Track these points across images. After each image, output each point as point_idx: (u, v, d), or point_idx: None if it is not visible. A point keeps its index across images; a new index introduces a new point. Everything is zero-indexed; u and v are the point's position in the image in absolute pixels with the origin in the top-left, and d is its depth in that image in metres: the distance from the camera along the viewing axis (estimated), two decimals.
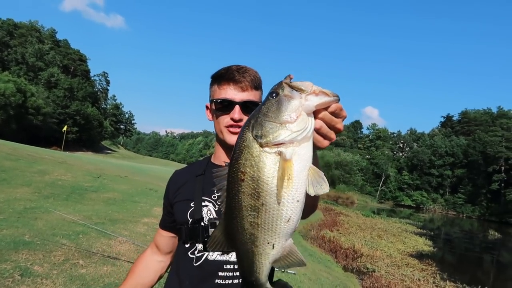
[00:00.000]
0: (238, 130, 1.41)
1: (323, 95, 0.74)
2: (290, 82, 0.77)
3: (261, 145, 0.74)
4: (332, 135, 0.80)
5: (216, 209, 1.42)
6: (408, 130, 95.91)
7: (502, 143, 66.77)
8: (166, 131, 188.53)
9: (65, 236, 5.99)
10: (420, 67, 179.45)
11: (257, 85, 1.44)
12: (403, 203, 75.85)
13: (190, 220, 1.43)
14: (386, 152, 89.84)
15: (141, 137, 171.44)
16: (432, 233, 28.30)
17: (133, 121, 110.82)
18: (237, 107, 1.39)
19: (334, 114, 0.78)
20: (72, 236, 6.04)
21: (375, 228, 23.18)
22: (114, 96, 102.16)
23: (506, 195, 62.51)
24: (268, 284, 0.91)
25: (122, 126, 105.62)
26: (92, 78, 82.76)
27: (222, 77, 1.42)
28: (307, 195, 0.76)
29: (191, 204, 1.45)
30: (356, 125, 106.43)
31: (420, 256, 16.30)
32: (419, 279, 11.19)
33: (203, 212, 1.42)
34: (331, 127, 0.80)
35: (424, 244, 19.98)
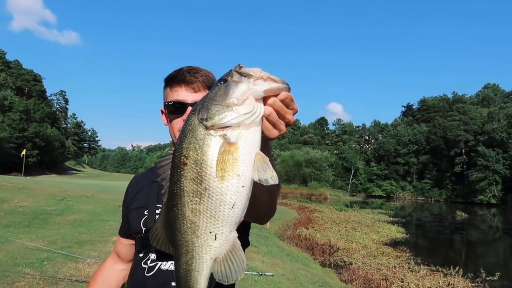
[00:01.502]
0: None
1: (271, 81, 0.73)
2: (239, 69, 0.75)
3: (206, 128, 0.72)
4: (282, 125, 0.78)
5: None
6: (372, 122, 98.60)
7: (460, 127, 69.77)
8: (132, 146, 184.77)
9: (28, 264, 5.69)
10: (378, 59, 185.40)
11: (209, 85, 1.39)
12: (374, 194, 77.72)
13: (144, 228, 1.37)
14: (353, 145, 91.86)
15: (106, 154, 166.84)
16: (404, 220, 29.09)
17: (96, 138, 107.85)
18: (190, 109, 1.33)
19: (284, 103, 0.76)
20: (36, 264, 5.74)
21: (349, 221, 23.54)
22: (74, 114, 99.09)
23: (469, 176, 65.29)
24: None
25: (85, 145, 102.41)
26: (49, 98, 79.94)
27: (173, 79, 1.39)
28: (263, 193, 0.76)
29: (145, 212, 1.39)
30: (322, 121, 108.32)
31: (394, 244, 16.68)
32: (394, 266, 11.41)
33: None
34: (281, 116, 0.77)
35: (397, 232, 20.47)
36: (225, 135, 0.71)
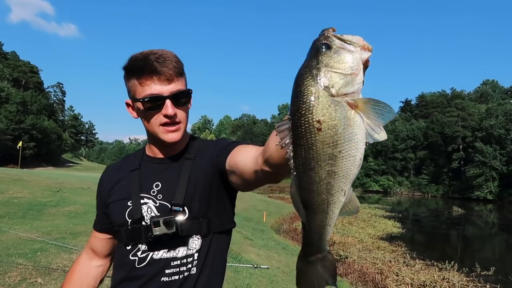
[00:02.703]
0: (174, 127, 1.30)
1: (368, 51, 0.80)
2: (339, 34, 0.80)
3: (332, 95, 0.77)
4: None
5: (157, 205, 1.31)
6: None
7: (458, 123, 69.83)
8: (129, 139, 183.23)
9: (21, 255, 5.65)
10: (378, 54, 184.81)
11: (181, 71, 1.32)
12: (371, 189, 77.90)
13: (130, 220, 1.32)
14: None
15: (104, 147, 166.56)
16: (400, 215, 29.21)
17: (94, 131, 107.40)
18: (168, 102, 1.26)
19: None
20: (29, 255, 5.70)
21: None
22: (72, 107, 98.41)
23: (465, 172, 65.46)
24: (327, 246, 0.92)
25: (83, 137, 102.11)
26: (46, 90, 79.54)
27: (141, 70, 1.26)
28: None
29: (129, 203, 1.34)
30: None
31: (390, 238, 16.76)
32: (390, 261, 11.46)
33: (143, 211, 1.31)
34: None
35: (393, 227, 20.57)
36: (349, 101, 0.77)
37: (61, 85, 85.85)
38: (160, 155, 1.41)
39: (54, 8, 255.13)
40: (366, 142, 0.79)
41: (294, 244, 13.35)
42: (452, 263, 11.19)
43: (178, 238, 1.28)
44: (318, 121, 0.76)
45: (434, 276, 9.78)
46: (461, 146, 69.26)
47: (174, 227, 1.25)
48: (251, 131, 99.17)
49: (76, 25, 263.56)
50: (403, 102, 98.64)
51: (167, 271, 1.26)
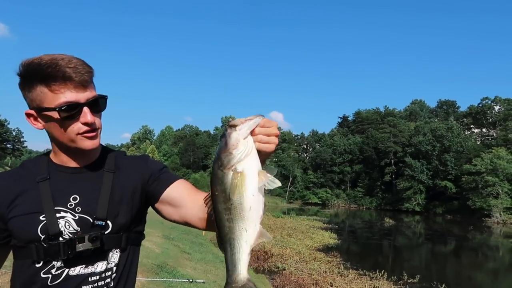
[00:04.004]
0: (93, 134, 1.25)
1: (248, 121, 1.07)
2: (228, 123, 1.09)
3: (222, 170, 1.07)
4: (273, 139, 1.12)
5: (76, 218, 1.24)
6: (310, 132, 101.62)
7: (390, 139, 74.29)
8: None
9: None
10: (317, 72, 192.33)
11: (92, 76, 1.25)
12: (310, 201, 79.96)
13: (43, 236, 1.21)
14: (292, 154, 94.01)
15: (33, 156, 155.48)
16: (337, 226, 30.26)
17: (22, 139, 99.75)
18: (86, 109, 1.21)
19: (264, 126, 1.10)
20: None
21: (285, 227, 23.96)
22: None
23: (396, 185, 69.61)
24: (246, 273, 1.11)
25: (8, 145, 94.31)
26: None
27: (52, 76, 1.16)
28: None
29: (41, 218, 1.22)
30: None
31: (326, 249, 17.23)
32: (325, 271, 11.76)
33: (60, 225, 1.22)
34: (267, 135, 1.11)
35: (330, 238, 21.20)
36: (235, 169, 1.06)
37: None
38: (72, 164, 1.32)
39: None
40: (265, 190, 1.09)
41: None
42: (382, 272, 11.73)
43: (98, 253, 1.24)
44: (214, 189, 1.09)
45: (365, 286, 10.18)
46: (392, 161, 73.59)
47: (99, 242, 1.21)
48: (193, 142, 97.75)
49: (6, 25, 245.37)
50: (341, 118, 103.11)
51: (83, 287, 1.22)
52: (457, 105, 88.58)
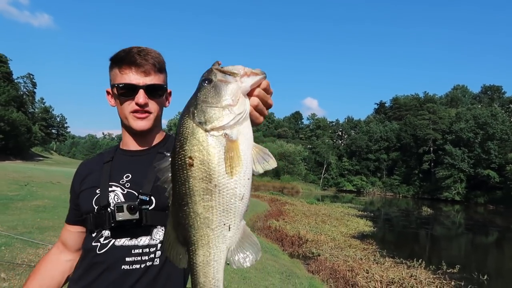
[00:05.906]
0: (144, 115, 1.37)
1: (254, 75, 0.80)
2: (220, 67, 0.80)
3: (206, 130, 0.76)
4: (265, 111, 0.89)
5: (125, 192, 1.33)
6: (345, 118, 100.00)
7: (429, 126, 71.85)
8: (103, 133, 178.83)
9: None
10: (354, 56, 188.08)
11: (160, 68, 1.39)
12: (345, 189, 79.15)
13: (96, 207, 1.33)
14: (326, 140, 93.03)
15: (76, 141, 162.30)
16: (372, 214, 29.79)
17: (65, 125, 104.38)
18: (141, 92, 1.34)
19: (265, 90, 0.87)
20: None
21: (319, 214, 23.88)
22: (43, 99, 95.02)
23: (435, 173, 67.44)
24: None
25: (53, 131, 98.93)
26: (15, 81, 76.60)
27: (122, 60, 1.35)
28: None
29: (97, 191, 1.35)
30: (297, 116, 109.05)
31: (361, 237, 17.04)
32: (361, 258, 11.66)
33: (110, 198, 1.32)
34: (264, 103, 0.88)
35: (365, 225, 20.93)
36: (226, 135, 0.76)
37: (31, 76, 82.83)
38: (133, 147, 1.46)
39: None
40: (256, 172, 0.79)
41: (268, 242, 13.40)
42: (420, 261, 11.50)
43: (141, 227, 1.29)
44: (190, 157, 0.76)
45: (402, 274, 10.02)
46: (431, 148, 71.29)
47: (137, 213, 1.25)
48: None
49: (51, 15, 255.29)
50: (377, 104, 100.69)
51: (127, 259, 1.27)
52: (502, 91, 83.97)
